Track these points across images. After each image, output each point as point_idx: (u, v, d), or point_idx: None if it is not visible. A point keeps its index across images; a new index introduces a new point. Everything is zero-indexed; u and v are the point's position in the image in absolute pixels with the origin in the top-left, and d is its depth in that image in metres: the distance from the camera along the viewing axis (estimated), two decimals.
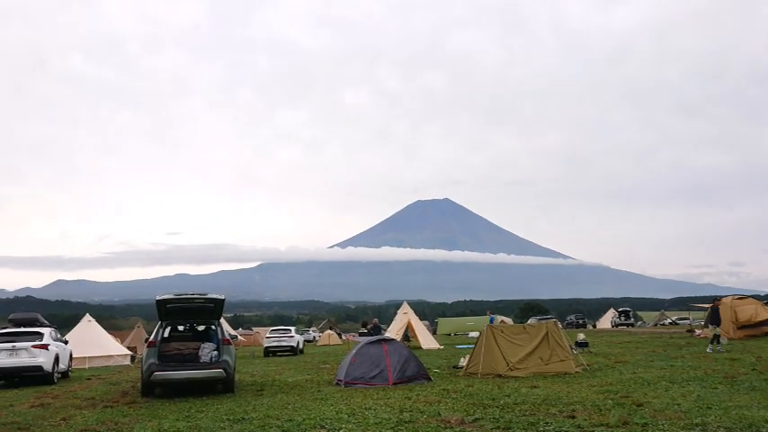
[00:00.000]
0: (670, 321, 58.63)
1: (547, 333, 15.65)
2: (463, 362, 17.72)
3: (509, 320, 56.29)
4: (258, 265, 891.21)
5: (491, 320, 37.87)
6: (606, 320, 66.01)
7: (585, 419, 8.65)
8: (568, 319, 68.11)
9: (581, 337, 25.56)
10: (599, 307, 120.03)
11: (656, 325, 58.33)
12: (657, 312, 72.19)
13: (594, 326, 65.96)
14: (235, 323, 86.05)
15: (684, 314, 63.68)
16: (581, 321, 65.28)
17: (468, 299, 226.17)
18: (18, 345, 17.02)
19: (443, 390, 12.67)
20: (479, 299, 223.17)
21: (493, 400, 10.94)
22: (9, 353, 16.84)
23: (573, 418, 8.82)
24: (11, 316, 21.14)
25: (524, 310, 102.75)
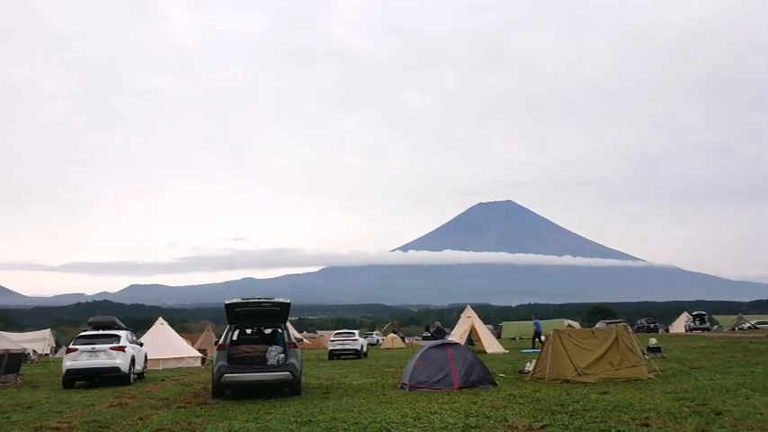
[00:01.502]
0: (749, 325, 55.70)
1: (617, 337, 15.16)
2: (529, 367, 17.40)
3: (576, 324, 54.85)
4: (321, 269, 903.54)
5: (537, 325, 37.03)
6: (679, 324, 63.35)
7: (660, 428, 8.34)
8: (639, 322, 65.81)
9: (653, 341, 24.62)
10: (671, 310, 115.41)
11: (733, 329, 55.59)
12: (735, 316, 68.79)
13: (667, 330, 63.51)
14: (299, 326, 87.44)
15: (765, 318, 60.39)
16: (652, 325, 62.94)
17: (532, 302, 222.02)
18: (97, 347, 17.88)
19: (510, 395, 12.47)
20: (544, 302, 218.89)
21: (561, 405, 10.69)
22: (89, 354, 17.72)
23: (647, 426, 8.52)
24: (90, 319, 22.21)
25: (592, 313, 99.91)
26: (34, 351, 43.30)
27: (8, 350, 19.99)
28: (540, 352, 16.44)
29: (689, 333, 51.22)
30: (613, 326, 17.89)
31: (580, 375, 14.50)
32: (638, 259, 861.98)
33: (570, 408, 10.38)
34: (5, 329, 51.28)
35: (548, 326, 41.79)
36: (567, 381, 14.40)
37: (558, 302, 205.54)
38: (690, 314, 62.79)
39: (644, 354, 16.67)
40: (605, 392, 12.23)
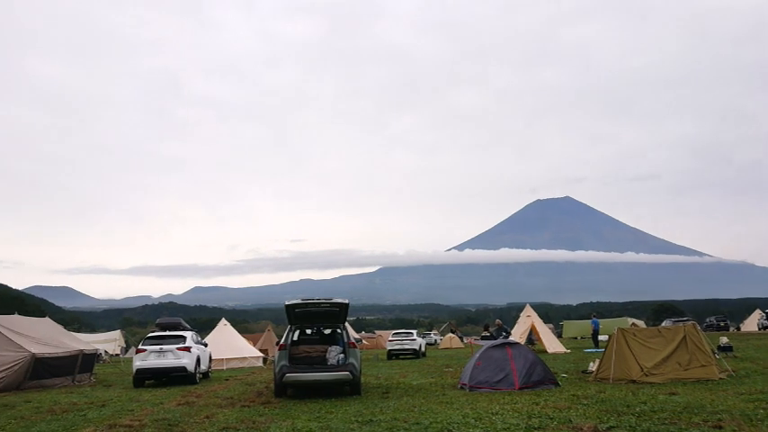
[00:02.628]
0: None
1: (685, 336, 14.62)
2: (593, 366, 16.99)
3: (641, 323, 53.18)
4: (378, 270, 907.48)
5: (595, 324, 36.03)
6: (752, 322, 60.49)
7: (735, 430, 7.99)
8: (708, 320, 63.28)
9: (724, 340, 23.63)
10: (742, 308, 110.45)
11: None
12: None
13: (738, 328, 60.81)
14: (357, 326, 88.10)
15: None
16: (722, 323, 60.42)
17: (594, 301, 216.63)
18: (165, 347, 18.52)
19: (573, 395, 12.20)
20: (606, 300, 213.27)
21: (628, 407, 10.38)
22: (157, 354, 18.36)
23: (720, 428, 8.18)
24: (158, 320, 23.00)
25: (657, 312, 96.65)
26: (106, 351, 45.18)
27: (82, 350, 20.91)
28: (604, 351, 16.01)
29: (762, 331, 49.00)
30: (681, 324, 17.26)
31: (647, 376, 14.05)
32: (705, 255, 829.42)
33: (637, 409, 10.07)
34: (79, 331, 53.71)
35: (611, 324, 40.72)
36: (633, 381, 13.98)
37: (620, 300, 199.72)
38: (763, 311, 59.85)
39: (714, 353, 16.00)
40: (674, 393, 11.81)
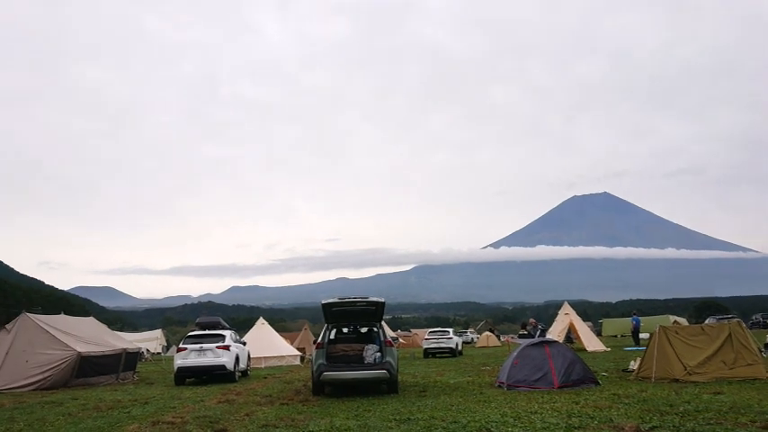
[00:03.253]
0: None
1: (729, 334, 14.22)
2: (633, 365, 16.68)
3: (683, 321, 52.02)
4: (413, 268, 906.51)
5: (635, 321, 35.30)
6: None
7: None
8: (754, 318, 61.41)
9: None
10: None
11: None
12: None
13: None
14: (392, 325, 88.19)
15: None
16: None
17: (634, 298, 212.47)
18: (205, 346, 18.84)
19: (614, 394, 11.99)
20: (647, 297, 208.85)
21: (671, 406, 10.16)
22: (198, 353, 18.69)
23: None
24: (197, 320, 23.43)
25: (700, 309, 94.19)
26: (147, 350, 46.19)
27: (125, 349, 21.44)
28: (645, 350, 15.69)
29: None
30: (725, 322, 16.81)
31: (690, 375, 13.73)
32: (750, 250, 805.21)
33: (681, 409, 9.85)
34: (121, 330, 55.04)
35: (652, 322, 39.91)
36: (676, 380, 13.68)
37: (661, 297, 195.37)
38: None
39: (761, 351, 15.54)
40: (719, 393, 11.51)
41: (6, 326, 19.16)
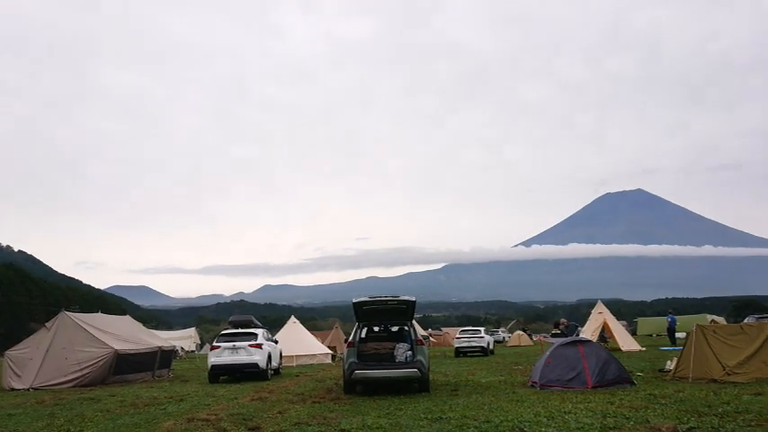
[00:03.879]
0: None
1: None
2: (670, 365, 16.35)
3: (721, 320, 50.84)
4: (443, 267, 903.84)
5: (671, 320, 34.55)
6: None
7: None
8: None
9: None
10: None
11: None
12: None
13: None
14: (423, 324, 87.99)
15: None
16: None
17: (669, 296, 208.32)
18: (237, 344, 19.07)
19: (650, 395, 11.77)
20: (683, 296, 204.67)
21: (709, 407, 9.92)
22: (231, 351, 18.93)
23: None
24: (231, 318, 23.73)
25: (738, 308, 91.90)
26: (182, 348, 46.94)
27: (160, 347, 21.84)
28: (682, 349, 15.37)
29: None
30: (765, 321, 16.38)
31: (729, 375, 13.40)
32: None
33: (719, 410, 9.62)
34: (156, 328, 55.98)
35: (689, 321, 39.08)
36: (714, 380, 13.37)
37: (698, 296, 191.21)
38: None
39: None
40: (759, 393, 11.21)
41: (46, 324, 19.68)
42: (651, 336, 51.98)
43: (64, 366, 18.36)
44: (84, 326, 19.32)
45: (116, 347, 18.94)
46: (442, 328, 75.72)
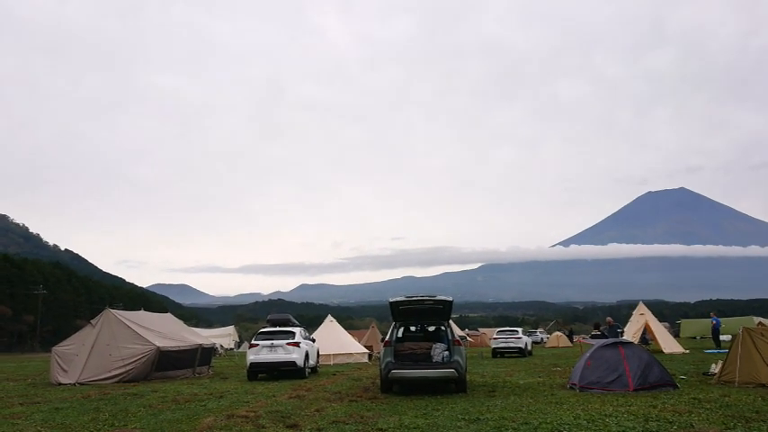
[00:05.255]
0: None
1: None
2: (715, 368, 15.90)
3: None
4: (480, 266, 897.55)
5: (716, 322, 33.54)
6: None
7: None
8: None
9: None
10: None
11: None
12: None
13: None
14: (460, 324, 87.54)
15: None
16: None
17: (714, 298, 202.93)
18: (275, 342, 19.27)
19: (694, 399, 11.47)
20: (728, 297, 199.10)
21: (757, 413, 9.61)
22: (269, 349, 19.14)
23: None
24: (269, 317, 23.98)
25: None
26: (221, 345, 47.71)
27: (201, 345, 22.20)
28: (728, 352, 14.93)
29: None
30: None
31: None
32: None
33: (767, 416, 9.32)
34: (196, 326, 57.11)
35: (734, 324, 37.96)
36: (762, 385, 12.94)
37: (744, 298, 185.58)
38: None
39: None
40: None
41: (92, 321, 20.22)
42: (695, 338, 50.68)
43: (108, 362, 18.83)
44: (128, 323, 19.78)
45: (158, 344, 19.33)
46: (479, 329, 75.20)
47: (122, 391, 15.75)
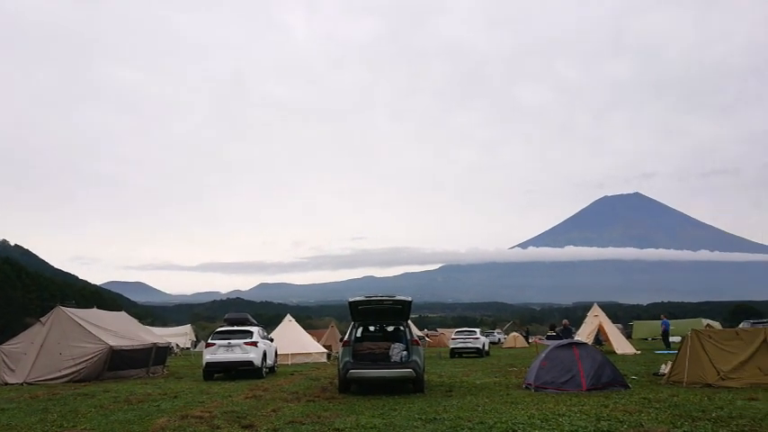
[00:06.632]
0: None
1: (765, 339, 13.85)
2: (664, 369, 16.37)
3: (716, 325, 50.89)
4: (440, 267, 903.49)
5: (665, 324, 34.63)
6: None
7: None
8: None
9: None
10: None
11: None
12: None
13: None
14: (419, 324, 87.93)
15: None
16: None
17: (665, 300, 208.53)
18: (233, 341, 19.04)
19: (644, 398, 11.79)
20: (679, 300, 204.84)
21: (703, 412, 9.94)
22: (226, 348, 18.90)
23: None
24: (226, 316, 23.66)
25: (734, 313, 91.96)
26: (177, 345, 46.89)
27: (156, 344, 21.78)
28: (677, 353, 15.39)
29: None
30: (761, 326, 16.41)
31: (723, 380, 13.42)
32: None
33: (713, 414, 9.63)
34: (151, 325, 55.91)
35: (684, 326, 39.14)
36: (709, 385, 13.39)
37: (694, 301, 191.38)
38: None
39: None
40: (753, 399, 11.23)
41: (41, 319, 19.64)
42: (646, 339, 52.02)
43: (58, 361, 18.32)
44: (80, 321, 19.29)
45: (111, 343, 18.90)
46: (438, 329, 75.68)
47: (72, 391, 15.33)
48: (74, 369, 18.23)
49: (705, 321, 49.82)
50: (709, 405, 10.67)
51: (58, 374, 18.10)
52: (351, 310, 14.71)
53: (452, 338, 35.37)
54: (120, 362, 19.37)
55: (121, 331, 20.75)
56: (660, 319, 41.02)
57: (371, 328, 16.17)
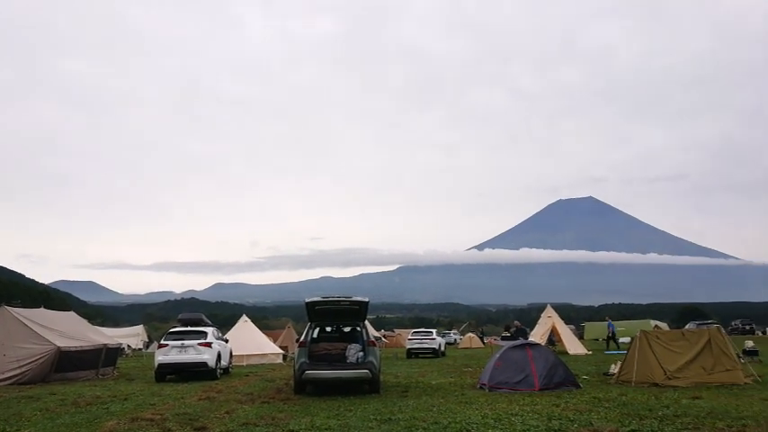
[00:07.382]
0: None
1: (709, 340, 14.41)
2: (614, 369, 16.81)
3: (664, 326, 52.49)
4: (397, 268, 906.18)
5: (610, 326, 35.68)
6: None
7: None
8: (733, 324, 62.37)
9: (749, 344, 23.23)
10: None
11: None
12: None
13: (764, 332, 59.81)
14: (376, 325, 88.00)
15: None
16: (748, 327, 59.48)
17: (616, 302, 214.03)
18: (186, 342, 18.71)
19: (594, 398, 12.08)
20: (629, 302, 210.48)
21: (650, 410, 10.26)
22: (179, 350, 18.56)
23: None
24: (179, 316, 23.25)
25: (681, 314, 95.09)
26: (128, 346, 45.75)
27: (106, 345, 21.21)
28: (626, 354, 15.83)
29: None
30: (705, 327, 17.01)
31: (669, 379, 13.88)
32: (731, 257, 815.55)
33: (659, 413, 9.95)
34: (102, 325, 54.39)
35: (633, 327, 40.25)
36: (656, 384, 13.82)
37: (644, 302, 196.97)
38: None
39: (739, 357, 15.75)
40: (697, 397, 11.64)
41: None
42: (597, 340, 53.26)
43: (2, 363, 17.65)
44: (26, 321, 18.64)
45: (58, 344, 18.33)
46: (395, 330, 75.91)
47: (17, 393, 14.81)
48: (19, 371, 17.59)
49: (653, 322, 51.31)
50: (656, 404, 11.01)
51: (2, 377, 17.42)
52: (308, 311, 14.64)
53: (409, 339, 35.56)
54: (68, 363, 18.78)
55: (70, 332, 20.13)
56: (605, 320, 42.14)
57: (328, 329, 16.13)
